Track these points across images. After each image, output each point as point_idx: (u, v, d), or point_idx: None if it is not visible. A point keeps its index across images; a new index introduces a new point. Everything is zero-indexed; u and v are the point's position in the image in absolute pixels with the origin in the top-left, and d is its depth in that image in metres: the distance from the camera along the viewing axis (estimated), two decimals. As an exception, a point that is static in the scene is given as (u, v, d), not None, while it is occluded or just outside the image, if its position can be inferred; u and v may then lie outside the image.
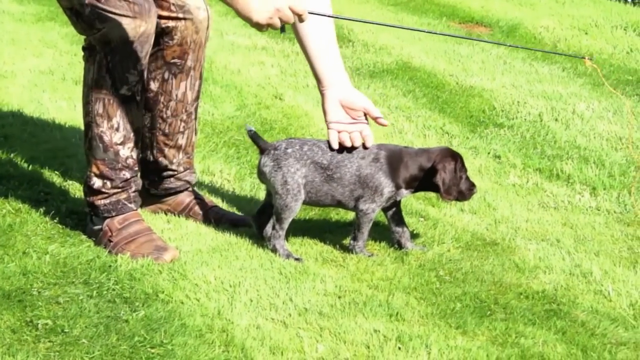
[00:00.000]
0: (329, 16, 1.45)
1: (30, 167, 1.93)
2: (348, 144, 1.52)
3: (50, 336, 1.23)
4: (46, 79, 2.71)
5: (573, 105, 2.68)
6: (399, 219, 1.60)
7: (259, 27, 1.36)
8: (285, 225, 1.54)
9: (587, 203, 1.95)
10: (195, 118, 1.71)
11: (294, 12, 1.34)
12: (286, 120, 2.47)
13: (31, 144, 2.11)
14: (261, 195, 1.92)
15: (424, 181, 1.55)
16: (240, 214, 1.77)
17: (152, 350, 1.22)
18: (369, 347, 1.25)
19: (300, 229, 1.67)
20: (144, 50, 1.48)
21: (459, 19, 4.00)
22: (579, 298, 1.46)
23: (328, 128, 1.52)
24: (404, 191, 1.57)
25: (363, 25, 3.75)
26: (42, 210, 1.68)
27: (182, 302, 1.36)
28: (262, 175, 1.56)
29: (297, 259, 1.53)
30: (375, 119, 1.52)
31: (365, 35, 3.55)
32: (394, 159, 1.54)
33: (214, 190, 1.91)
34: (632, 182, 2.02)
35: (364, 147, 1.53)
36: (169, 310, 1.32)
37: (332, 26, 1.52)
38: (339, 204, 1.58)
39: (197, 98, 1.69)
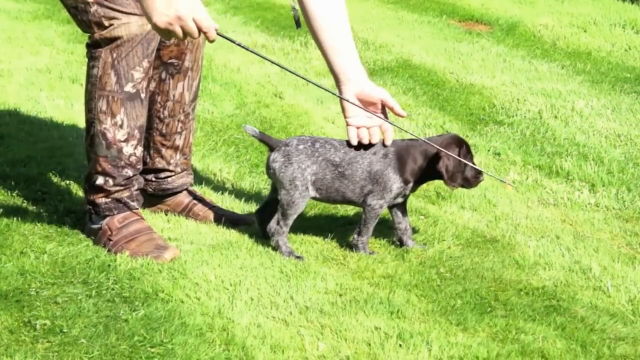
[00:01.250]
0: (240, 45, 1.37)
1: (28, 166, 1.92)
2: (366, 140, 1.49)
3: (48, 336, 1.23)
4: (43, 77, 2.70)
5: (572, 103, 2.68)
6: (402, 217, 1.60)
7: (158, 30, 1.28)
8: (290, 222, 1.54)
9: (586, 200, 1.95)
10: (193, 119, 1.70)
11: (198, 27, 1.27)
12: (286, 118, 2.46)
13: (28, 143, 2.09)
14: (261, 193, 1.91)
15: (429, 169, 1.54)
16: (240, 212, 1.77)
17: (152, 350, 1.21)
18: (370, 345, 1.25)
19: (300, 227, 1.67)
20: (150, 48, 1.47)
21: (458, 16, 3.99)
22: (578, 294, 1.46)
23: (347, 125, 1.49)
24: (412, 184, 1.56)
25: (363, 22, 3.74)
26: (39, 209, 1.67)
27: (182, 301, 1.35)
28: (270, 171, 1.55)
29: (298, 257, 1.52)
30: (391, 108, 1.49)
31: (366, 33, 3.55)
32: (403, 153, 1.54)
33: (214, 189, 1.90)
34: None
35: (384, 144, 1.51)
36: (168, 310, 1.32)
37: (347, 19, 1.48)
38: (349, 201, 1.58)
39: (194, 99, 1.68)
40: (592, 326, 1.34)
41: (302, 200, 1.53)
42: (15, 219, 1.62)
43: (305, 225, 1.70)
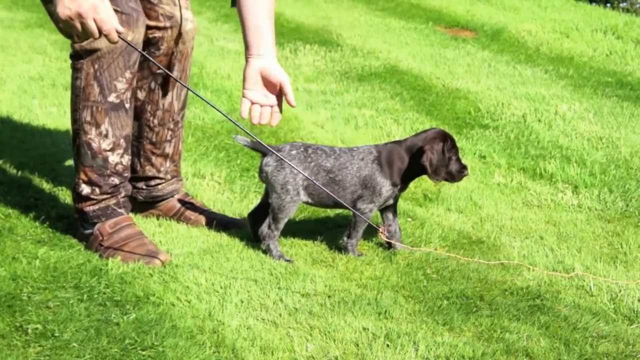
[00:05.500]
0: (140, 52, 1.41)
1: (20, 172, 1.93)
2: (256, 121, 1.50)
3: (40, 340, 1.23)
4: (36, 85, 2.71)
5: (555, 107, 2.74)
6: (393, 219, 1.62)
7: (60, 21, 1.28)
8: (281, 226, 1.56)
9: (570, 201, 1.99)
10: (182, 127, 1.73)
11: (99, 27, 1.28)
12: (275, 123, 2.50)
13: (21, 150, 2.10)
14: (251, 197, 1.94)
15: (414, 165, 1.54)
16: (231, 216, 1.79)
17: (143, 353, 1.22)
18: (358, 345, 1.27)
19: (290, 230, 1.69)
20: (132, 59, 1.50)
21: (445, 23, 4.06)
22: (561, 293, 1.49)
23: (243, 96, 1.48)
24: (401, 185, 1.57)
25: (351, 29, 3.79)
26: (31, 215, 1.68)
27: (173, 305, 1.37)
28: (263, 175, 1.57)
29: (287, 261, 1.55)
30: (286, 94, 1.50)
31: (354, 40, 3.60)
32: (389, 156, 1.55)
33: (205, 193, 1.93)
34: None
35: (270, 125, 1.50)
36: (160, 313, 1.33)
37: (273, 2, 1.50)
38: (341, 206, 1.59)
39: (183, 107, 1.71)
40: (575, 325, 1.37)
41: (293, 204, 1.55)
42: (7, 224, 1.63)
43: (295, 228, 1.72)
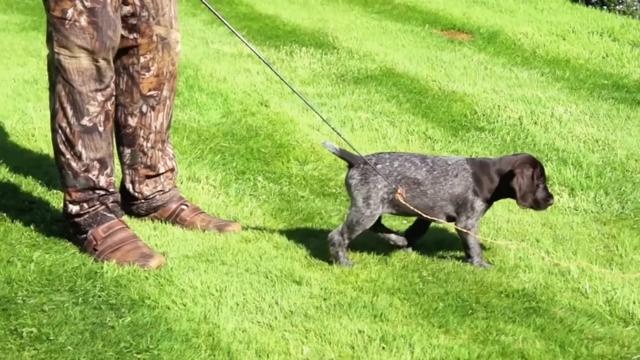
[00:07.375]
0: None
1: (14, 176, 1.93)
2: None
3: (35, 344, 1.23)
4: (30, 88, 2.71)
5: (551, 109, 2.74)
6: (423, 229, 1.62)
7: None
8: (354, 237, 1.55)
9: (566, 203, 1.99)
10: (169, 142, 1.75)
11: None
12: (272, 126, 2.49)
13: (15, 153, 2.10)
14: (246, 200, 1.93)
15: (502, 186, 1.55)
16: (226, 219, 1.79)
17: (138, 356, 1.22)
18: (353, 348, 1.27)
19: (286, 232, 1.69)
20: (104, 83, 1.51)
21: (441, 26, 4.07)
22: (557, 296, 1.49)
23: None
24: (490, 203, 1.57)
25: (348, 32, 3.80)
26: (26, 218, 1.68)
27: (169, 308, 1.37)
28: (348, 187, 1.56)
29: (352, 266, 1.54)
30: None
31: (350, 43, 3.60)
32: (481, 175, 1.55)
33: (200, 197, 1.93)
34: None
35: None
36: (155, 316, 1.33)
37: None
38: (428, 215, 1.57)
39: (170, 125, 1.73)
40: (571, 327, 1.38)
41: (371, 219, 1.54)
42: (2, 228, 1.63)
43: (290, 231, 1.72)
